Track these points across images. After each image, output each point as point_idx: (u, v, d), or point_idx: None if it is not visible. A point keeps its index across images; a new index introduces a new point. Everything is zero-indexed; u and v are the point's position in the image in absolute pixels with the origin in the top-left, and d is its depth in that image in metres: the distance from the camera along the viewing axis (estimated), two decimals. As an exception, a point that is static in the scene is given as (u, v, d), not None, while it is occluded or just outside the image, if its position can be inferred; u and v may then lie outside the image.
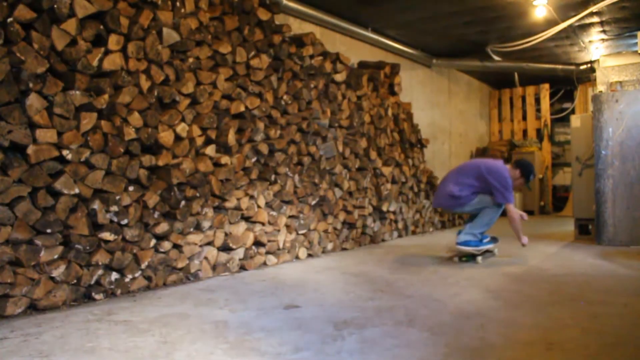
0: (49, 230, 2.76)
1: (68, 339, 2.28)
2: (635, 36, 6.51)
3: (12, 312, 2.63)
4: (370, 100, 5.67)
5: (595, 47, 7.61)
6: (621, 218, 5.09)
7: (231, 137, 3.85)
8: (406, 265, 4.16)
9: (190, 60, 3.62)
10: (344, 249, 5.11)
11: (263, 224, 4.14)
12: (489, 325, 2.46)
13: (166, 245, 3.38)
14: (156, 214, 3.32)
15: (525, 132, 10.23)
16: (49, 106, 2.78)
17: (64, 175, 2.82)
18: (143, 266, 3.22)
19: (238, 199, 3.92)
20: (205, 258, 3.65)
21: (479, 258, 4.26)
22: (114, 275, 3.09)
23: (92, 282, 2.99)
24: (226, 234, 3.82)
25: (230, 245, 3.83)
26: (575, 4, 5.81)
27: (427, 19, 6.27)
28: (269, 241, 4.19)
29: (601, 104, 5.19)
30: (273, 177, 4.27)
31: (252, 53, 4.12)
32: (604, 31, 6.87)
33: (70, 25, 2.88)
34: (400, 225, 6.05)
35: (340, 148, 5.09)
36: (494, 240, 4.43)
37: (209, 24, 3.78)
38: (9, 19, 2.63)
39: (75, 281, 2.90)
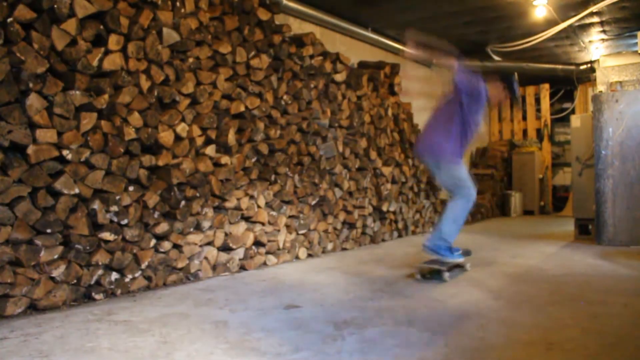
0: (49, 230, 2.75)
1: (68, 339, 2.28)
2: (635, 36, 6.52)
3: (12, 312, 2.63)
4: (370, 100, 5.67)
5: (595, 47, 7.61)
6: (621, 218, 5.09)
7: (231, 137, 3.85)
8: (406, 265, 4.16)
9: (190, 60, 3.62)
10: (344, 249, 5.11)
11: (263, 224, 4.14)
12: (489, 325, 2.46)
13: (166, 245, 3.38)
14: (156, 214, 3.32)
15: (525, 132, 10.23)
16: (49, 106, 2.78)
17: (64, 175, 2.82)
18: (143, 266, 3.22)
19: (238, 199, 3.92)
20: (205, 258, 3.65)
21: (446, 275, 3.59)
22: (114, 275, 3.09)
23: (92, 282, 2.99)
24: (226, 234, 3.82)
25: (230, 245, 3.83)
26: (575, 4, 5.81)
27: (427, 19, 6.27)
28: (269, 241, 4.19)
29: (601, 104, 5.19)
30: (273, 177, 4.27)
31: (252, 53, 4.12)
32: (604, 31, 6.87)
33: (70, 25, 2.87)
34: (400, 225, 6.05)
35: (340, 148, 5.09)
36: (466, 253, 3.90)
37: (209, 24, 3.78)
38: (9, 19, 2.64)
39: (75, 281, 2.90)
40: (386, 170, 5.79)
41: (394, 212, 5.95)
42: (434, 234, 3.77)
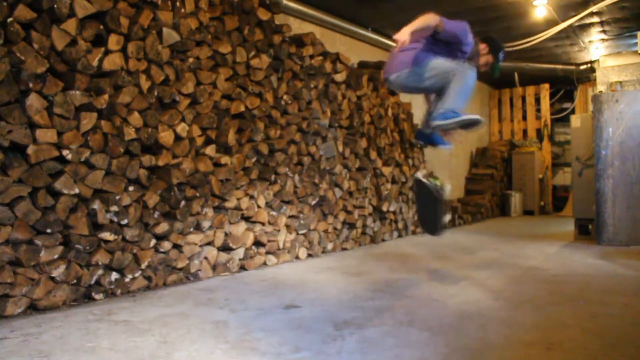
0: (49, 230, 2.75)
1: (68, 339, 2.28)
2: (635, 36, 6.52)
3: (12, 312, 2.63)
4: (370, 100, 5.67)
5: (595, 47, 7.61)
6: (621, 218, 5.09)
7: (231, 137, 3.85)
8: (406, 265, 4.16)
9: (190, 60, 3.62)
10: (344, 249, 5.11)
11: (263, 224, 4.14)
12: (489, 325, 2.46)
13: (166, 245, 3.38)
14: (156, 214, 3.32)
15: (525, 132, 10.23)
16: (49, 106, 2.78)
17: (64, 175, 2.82)
18: (143, 266, 3.22)
19: (238, 199, 3.92)
20: (205, 258, 3.65)
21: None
22: (114, 275, 3.09)
23: (92, 282, 2.99)
24: (226, 234, 3.82)
25: (230, 245, 3.83)
26: (575, 4, 5.81)
27: (427, 19, 6.27)
28: (269, 241, 4.19)
29: (601, 104, 5.19)
30: (273, 177, 4.27)
31: (252, 53, 4.12)
32: (604, 31, 6.87)
33: (70, 25, 2.87)
34: (400, 225, 6.05)
35: (340, 148, 5.09)
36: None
37: (209, 24, 3.78)
38: (9, 19, 2.63)
39: (75, 281, 2.90)
40: (386, 170, 5.79)
41: (394, 212, 5.95)
42: (436, 114, 3.23)
